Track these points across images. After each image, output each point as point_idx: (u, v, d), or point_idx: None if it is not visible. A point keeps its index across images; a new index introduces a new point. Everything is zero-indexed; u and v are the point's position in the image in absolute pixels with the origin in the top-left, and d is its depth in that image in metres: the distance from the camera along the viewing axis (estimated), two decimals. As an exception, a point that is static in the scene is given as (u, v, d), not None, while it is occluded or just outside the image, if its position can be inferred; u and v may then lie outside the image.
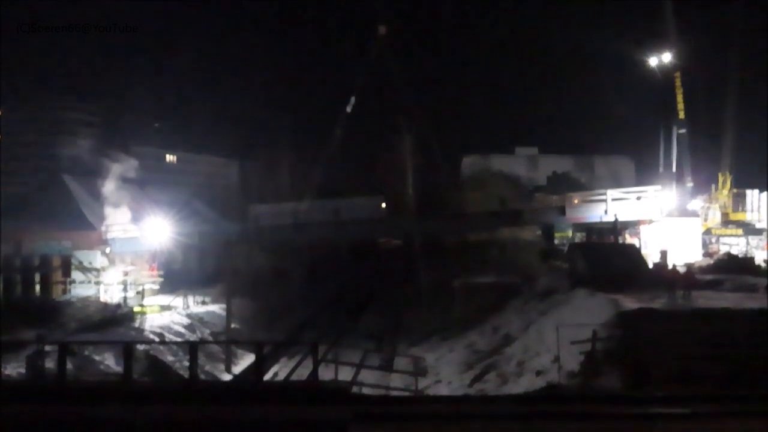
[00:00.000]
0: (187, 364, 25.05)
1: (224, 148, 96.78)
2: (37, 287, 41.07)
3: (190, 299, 42.64)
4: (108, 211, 45.65)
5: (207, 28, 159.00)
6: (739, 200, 48.08)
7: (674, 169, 48.79)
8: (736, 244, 45.14)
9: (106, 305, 39.05)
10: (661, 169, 49.35)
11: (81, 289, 41.60)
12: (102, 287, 41.55)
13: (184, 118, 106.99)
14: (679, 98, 48.22)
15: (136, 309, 38.68)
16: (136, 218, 45.74)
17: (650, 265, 37.65)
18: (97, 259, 42.32)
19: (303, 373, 30.89)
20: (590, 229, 48.16)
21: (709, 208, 48.04)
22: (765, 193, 47.47)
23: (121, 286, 41.39)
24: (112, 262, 42.80)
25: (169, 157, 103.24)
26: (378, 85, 65.07)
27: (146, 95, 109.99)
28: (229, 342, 36.58)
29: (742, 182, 49.89)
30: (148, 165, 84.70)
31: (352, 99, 62.23)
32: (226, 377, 32.91)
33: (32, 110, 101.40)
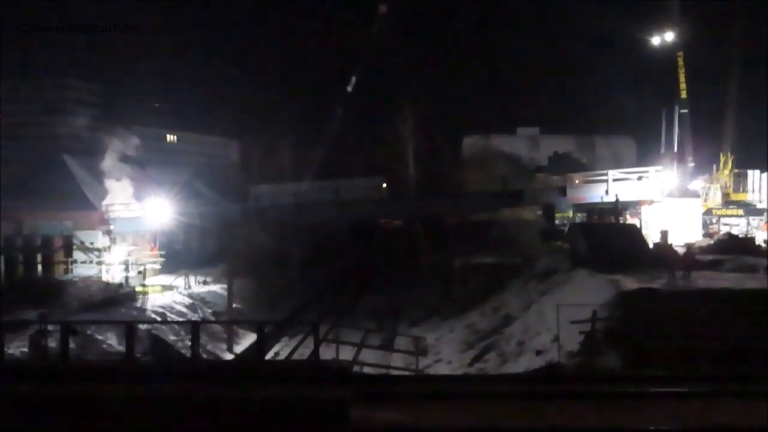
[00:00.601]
0: (188, 343, 25.16)
1: (225, 128, 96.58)
2: (39, 267, 41.17)
3: (192, 279, 42.78)
4: (109, 191, 45.63)
5: (207, 6, 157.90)
6: (740, 180, 47.97)
7: (676, 149, 48.66)
8: (736, 225, 45.11)
9: (108, 285, 39.16)
10: (662, 149, 49.24)
11: (83, 268, 41.70)
12: (104, 267, 41.64)
13: (185, 98, 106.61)
14: (682, 78, 47.95)
15: (138, 289, 38.83)
16: (137, 198, 45.75)
17: (651, 246, 37.70)
18: (99, 239, 42.37)
19: (304, 352, 31.09)
20: (591, 209, 48.17)
21: (710, 188, 47.96)
22: (766, 173, 47.35)
23: (123, 266, 41.48)
24: (113, 241, 42.86)
25: (170, 137, 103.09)
26: (379, 65, 64.78)
27: (146, 75, 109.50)
28: (230, 322, 36.76)
29: (743, 162, 49.79)
30: (148, 145, 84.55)
31: (353, 78, 61.98)
32: (228, 356, 33.11)
33: (32, 89, 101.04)
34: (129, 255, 42.32)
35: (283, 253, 52.52)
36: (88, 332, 27.24)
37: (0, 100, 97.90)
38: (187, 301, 38.78)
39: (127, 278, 40.66)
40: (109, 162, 46.11)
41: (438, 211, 56.11)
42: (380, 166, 64.27)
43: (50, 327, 23.74)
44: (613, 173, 45.71)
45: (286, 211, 48.12)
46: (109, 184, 45.67)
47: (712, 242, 40.55)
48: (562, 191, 47.37)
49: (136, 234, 44.28)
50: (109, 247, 42.32)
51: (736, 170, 48.64)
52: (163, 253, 44.76)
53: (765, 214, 45.05)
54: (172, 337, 31.27)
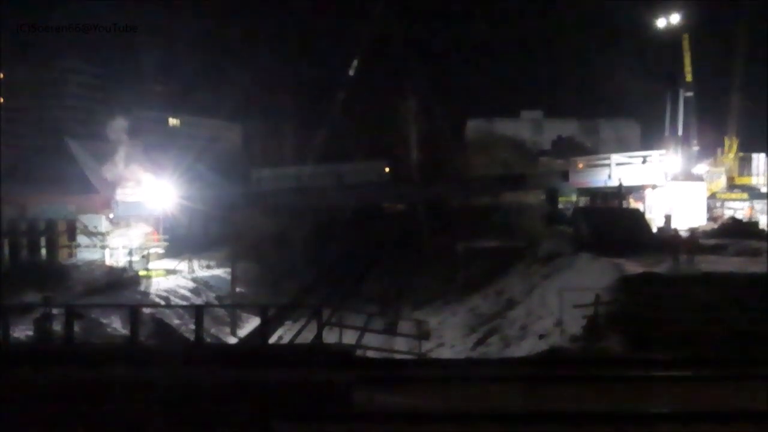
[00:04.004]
0: (192, 327, 25.23)
1: (227, 112, 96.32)
2: (43, 251, 41.21)
3: (195, 263, 42.81)
4: (111, 174, 45.60)
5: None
6: (744, 164, 47.84)
7: (680, 132, 48.42)
8: (741, 209, 45.02)
9: (111, 269, 39.20)
10: (666, 133, 48.99)
11: (87, 253, 41.71)
12: (107, 251, 41.69)
13: (187, 81, 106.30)
14: (687, 61, 47.61)
15: (142, 273, 38.86)
16: (139, 182, 45.71)
17: (654, 230, 37.65)
18: (102, 223, 42.38)
19: (307, 336, 31.17)
20: (595, 193, 48.10)
21: (714, 172, 47.81)
22: (771, 157, 47.21)
23: (127, 250, 41.52)
24: (116, 225, 42.88)
25: (172, 121, 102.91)
26: (381, 48, 64.46)
27: (148, 58, 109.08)
28: (234, 306, 36.83)
29: (748, 146, 49.60)
30: (151, 128, 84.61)
31: (355, 62, 61.77)
32: (232, 340, 33.21)
33: (34, 73, 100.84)
34: (132, 239, 42.32)
35: (286, 237, 52.55)
36: (93, 316, 27.29)
37: (1, 83, 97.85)
38: (191, 285, 38.85)
39: (130, 262, 40.71)
40: (111, 145, 46.03)
41: (441, 195, 56.14)
42: (383, 150, 64.22)
43: (55, 311, 23.79)
44: (616, 158, 45.57)
45: (289, 194, 48.14)
46: (112, 167, 45.62)
47: (716, 226, 40.49)
48: (565, 175, 47.29)
49: (139, 218, 44.28)
50: (112, 231, 42.33)
51: (741, 154, 48.47)
52: (166, 237, 44.79)
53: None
54: (176, 321, 31.33)
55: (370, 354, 23.52)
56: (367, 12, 62.91)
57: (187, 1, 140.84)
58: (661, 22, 47.63)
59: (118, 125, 46.59)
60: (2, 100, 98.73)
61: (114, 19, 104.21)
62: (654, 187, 44.00)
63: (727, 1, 62.64)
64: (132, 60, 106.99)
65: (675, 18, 47.01)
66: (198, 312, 21.48)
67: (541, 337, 24.82)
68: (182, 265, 42.08)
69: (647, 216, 40.77)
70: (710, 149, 51.07)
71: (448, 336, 31.94)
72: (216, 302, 38.07)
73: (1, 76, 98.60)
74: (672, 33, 47.53)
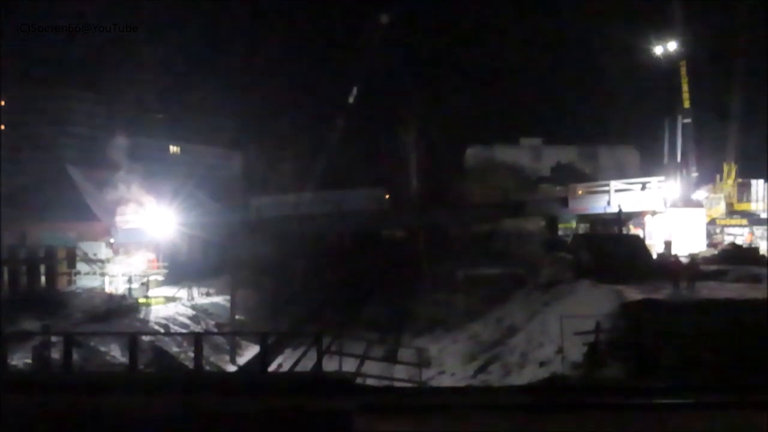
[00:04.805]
0: (192, 355, 25.13)
1: (227, 140, 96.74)
2: (43, 278, 41.17)
3: (195, 290, 42.74)
4: (111, 201, 45.69)
5: (209, 18, 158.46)
6: (743, 190, 48.00)
7: (679, 159, 48.59)
8: (740, 235, 45.06)
9: (111, 296, 39.15)
10: (665, 159, 49.19)
11: (86, 280, 41.69)
12: (107, 278, 41.64)
13: (187, 109, 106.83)
14: (685, 87, 47.93)
15: (141, 300, 38.78)
16: (139, 209, 45.78)
17: (654, 256, 37.64)
18: (102, 251, 42.38)
19: (307, 364, 31.02)
20: (594, 220, 48.14)
21: (713, 198, 47.92)
22: (769, 183, 47.38)
23: (126, 278, 41.47)
24: (116, 252, 42.88)
25: (173, 148, 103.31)
26: (381, 76, 65.00)
27: (149, 86, 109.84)
28: (233, 333, 36.68)
29: (746, 172, 49.79)
30: (151, 156, 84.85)
31: (355, 90, 62.16)
32: (231, 368, 33.04)
33: (35, 100, 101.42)
34: (131, 266, 42.29)
35: (286, 264, 52.50)
36: (91, 344, 27.19)
37: (4, 111, 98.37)
38: (190, 312, 38.75)
39: (130, 289, 40.64)
40: (112, 172, 46.21)
41: (440, 222, 56.15)
42: (382, 177, 64.37)
43: (53, 338, 23.73)
44: (615, 184, 45.69)
45: (289, 222, 48.14)
46: (112, 194, 45.73)
47: (716, 252, 40.48)
48: (565, 202, 47.36)
49: (139, 245, 44.29)
50: (111, 258, 42.32)
51: (740, 180, 48.65)
52: (166, 264, 44.76)
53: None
54: (175, 349, 31.20)
55: (371, 382, 23.40)
56: (367, 40, 63.44)
57: (188, 30, 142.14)
58: (658, 50, 48.04)
59: (119, 152, 46.84)
60: (2, 126, 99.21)
61: (118, 49, 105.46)
62: (653, 213, 44.08)
63: (724, 29, 63.17)
64: (133, 87, 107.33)
65: (672, 46, 47.43)
66: (197, 340, 21.45)
67: (541, 364, 24.71)
68: (182, 293, 42.00)
69: (647, 242, 40.77)
70: (709, 175, 51.27)
71: (449, 364, 31.78)
72: (215, 330, 37.92)
73: (2, 103, 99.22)
74: (669, 60, 47.92)
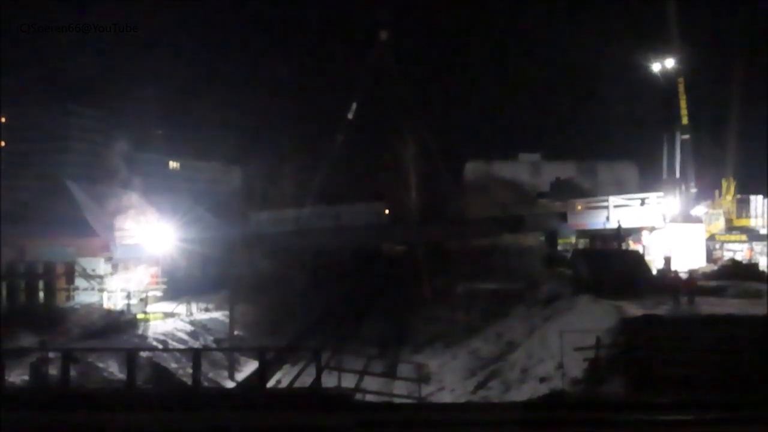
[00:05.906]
0: (190, 371, 25.00)
1: (226, 155, 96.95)
2: (41, 294, 41.05)
3: (193, 306, 42.64)
4: (111, 217, 45.67)
5: (209, 34, 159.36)
6: (742, 206, 48.01)
7: (678, 174, 48.67)
8: (740, 250, 45.03)
9: (109, 312, 39.01)
10: (664, 175, 49.27)
11: (85, 295, 41.54)
12: (105, 294, 41.53)
13: (187, 124, 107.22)
14: (683, 104, 48.11)
15: (140, 316, 38.66)
16: (138, 224, 45.75)
17: (654, 272, 37.59)
18: (101, 266, 42.29)
19: (306, 380, 30.84)
20: (594, 235, 48.11)
21: (712, 213, 47.92)
22: (768, 198, 47.38)
23: (125, 293, 41.37)
24: (114, 268, 42.79)
25: (172, 164, 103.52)
26: (380, 91, 65.07)
27: (149, 102, 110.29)
28: (232, 349, 36.55)
29: (746, 188, 49.82)
30: (151, 171, 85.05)
31: (354, 105, 62.29)
32: (230, 384, 32.88)
33: (35, 116, 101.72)
34: (130, 282, 42.19)
35: (285, 280, 52.36)
36: (89, 360, 27.08)
37: (4, 127, 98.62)
38: (189, 328, 38.62)
39: (128, 305, 40.52)
40: (111, 188, 46.23)
41: (440, 237, 56.08)
42: (382, 192, 64.33)
43: (51, 354, 23.62)
44: (614, 199, 45.71)
45: (288, 237, 48.07)
46: (112, 210, 45.72)
47: (715, 268, 40.44)
48: (564, 217, 47.37)
49: (138, 261, 44.22)
50: (110, 274, 42.22)
51: (739, 196, 48.66)
52: (165, 279, 44.67)
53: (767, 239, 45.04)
54: (173, 365, 31.07)
55: (370, 398, 23.29)
56: (366, 55, 63.65)
57: (188, 46, 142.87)
58: (656, 67, 48.24)
59: (118, 168, 46.88)
60: (3, 143, 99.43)
61: (118, 65, 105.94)
62: (653, 229, 44.06)
63: (722, 45, 63.59)
64: (133, 103, 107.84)
65: (670, 62, 47.64)
66: (195, 356, 21.34)
67: (542, 380, 24.61)
68: (180, 308, 41.89)
69: (647, 258, 40.73)
70: (708, 191, 51.30)
71: (449, 379, 31.66)
72: (214, 345, 37.78)
73: (3, 119, 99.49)
74: (668, 77, 48.12)
